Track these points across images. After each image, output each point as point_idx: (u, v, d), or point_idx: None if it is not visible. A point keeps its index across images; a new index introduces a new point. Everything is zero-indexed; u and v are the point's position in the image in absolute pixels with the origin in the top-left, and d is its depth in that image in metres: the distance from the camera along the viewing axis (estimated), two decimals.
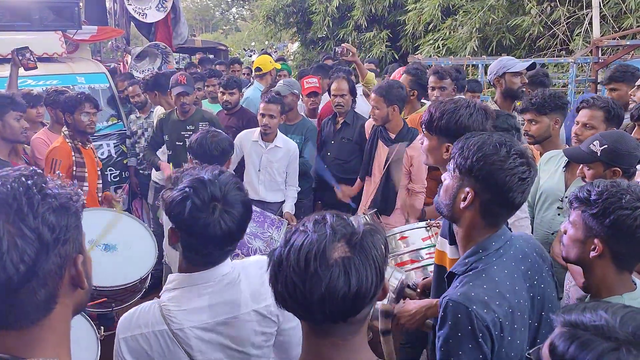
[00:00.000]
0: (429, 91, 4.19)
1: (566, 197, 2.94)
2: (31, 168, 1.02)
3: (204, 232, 1.55)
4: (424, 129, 2.11)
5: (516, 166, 1.60)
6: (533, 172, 1.64)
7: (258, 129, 4.24)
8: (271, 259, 1.16)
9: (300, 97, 5.03)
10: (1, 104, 3.27)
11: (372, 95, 3.79)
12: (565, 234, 1.82)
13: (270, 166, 4.23)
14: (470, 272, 1.64)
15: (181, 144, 4.32)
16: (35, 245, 0.93)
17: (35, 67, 4.48)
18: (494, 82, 3.98)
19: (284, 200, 4.35)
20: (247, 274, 1.73)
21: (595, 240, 1.70)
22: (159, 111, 5.10)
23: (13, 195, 0.94)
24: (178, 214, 1.56)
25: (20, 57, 4.33)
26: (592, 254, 1.71)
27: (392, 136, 3.82)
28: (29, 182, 0.97)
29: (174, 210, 1.56)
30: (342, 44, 4.94)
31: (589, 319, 1.07)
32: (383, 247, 1.15)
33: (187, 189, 1.56)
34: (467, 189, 1.66)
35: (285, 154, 4.25)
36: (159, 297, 1.71)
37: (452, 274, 1.73)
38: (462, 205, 1.67)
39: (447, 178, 1.76)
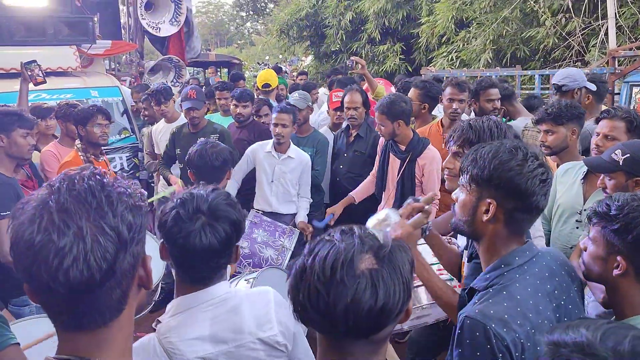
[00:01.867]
0: (446, 103, 4.13)
1: (585, 210, 2.85)
2: (98, 168, 1.02)
3: (185, 243, 1.56)
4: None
5: (535, 168, 1.54)
6: (550, 174, 1.59)
7: (271, 141, 4.24)
8: (293, 268, 1.12)
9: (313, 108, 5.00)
10: (8, 122, 3.24)
11: (376, 113, 3.75)
12: (585, 250, 1.73)
13: (284, 177, 4.20)
14: (491, 289, 1.56)
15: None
16: (115, 243, 0.92)
17: (44, 82, 4.46)
18: (572, 91, 3.99)
19: (297, 212, 4.32)
20: (251, 302, 1.69)
21: (618, 258, 1.61)
22: (157, 127, 5.14)
23: (92, 193, 0.93)
24: (164, 223, 1.59)
25: (29, 73, 4.32)
26: (615, 271, 1.62)
27: (403, 148, 3.77)
28: (104, 180, 0.97)
29: (161, 221, 1.60)
30: (352, 57, 4.92)
31: (570, 338, 1.06)
32: (409, 265, 1.11)
33: (176, 201, 1.62)
34: (488, 200, 1.58)
35: (298, 164, 4.23)
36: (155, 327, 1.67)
37: (472, 289, 1.65)
38: (484, 218, 1.59)
39: (462, 194, 1.68)
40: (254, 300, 1.70)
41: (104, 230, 0.91)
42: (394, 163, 3.83)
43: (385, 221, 1.89)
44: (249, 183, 4.40)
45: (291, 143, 4.26)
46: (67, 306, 0.94)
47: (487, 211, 1.59)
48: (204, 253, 1.57)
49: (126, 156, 5.55)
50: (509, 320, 1.45)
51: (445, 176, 2.25)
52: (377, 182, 4.04)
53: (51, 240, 0.88)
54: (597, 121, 2.95)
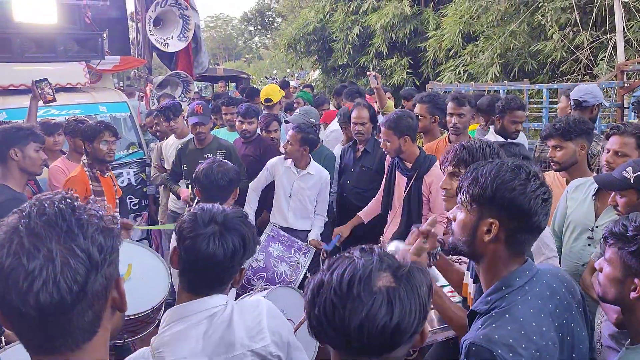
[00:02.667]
0: (448, 117, 4.11)
1: (597, 227, 2.81)
2: (69, 191, 1.04)
3: (192, 245, 1.61)
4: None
5: (537, 188, 1.52)
6: (550, 193, 1.56)
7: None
8: (311, 283, 1.13)
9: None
10: (22, 136, 3.27)
11: (382, 128, 3.71)
12: (601, 272, 1.69)
13: (302, 193, 4.21)
14: (493, 313, 1.52)
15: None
16: (86, 265, 0.93)
17: (54, 100, 4.48)
18: (592, 107, 4.08)
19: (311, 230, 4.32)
20: (242, 313, 1.69)
21: (636, 280, 1.57)
22: (167, 142, 5.17)
23: (62, 217, 0.94)
24: (180, 225, 1.67)
25: (39, 90, 4.34)
26: (633, 294, 1.58)
27: (409, 165, 3.73)
28: (75, 203, 0.98)
29: (179, 222, 1.69)
30: (368, 72, 4.88)
31: None
32: (427, 288, 1.11)
33: (197, 208, 1.71)
34: (490, 220, 1.55)
35: (317, 181, 4.23)
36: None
37: (474, 312, 1.62)
38: (486, 238, 1.56)
39: (460, 213, 1.64)
40: (245, 312, 1.70)
41: (75, 253, 0.93)
42: (400, 181, 3.80)
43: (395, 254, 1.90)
44: (263, 194, 4.43)
45: (311, 159, 4.26)
46: (39, 329, 0.94)
47: (488, 231, 1.55)
48: (207, 260, 1.61)
49: (134, 171, 5.55)
50: (514, 344, 1.42)
51: (442, 197, 2.23)
52: (383, 200, 4.00)
53: (21, 263, 0.89)
54: (608, 137, 2.92)
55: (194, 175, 3.04)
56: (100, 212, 1.00)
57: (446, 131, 4.54)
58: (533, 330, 1.47)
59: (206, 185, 2.89)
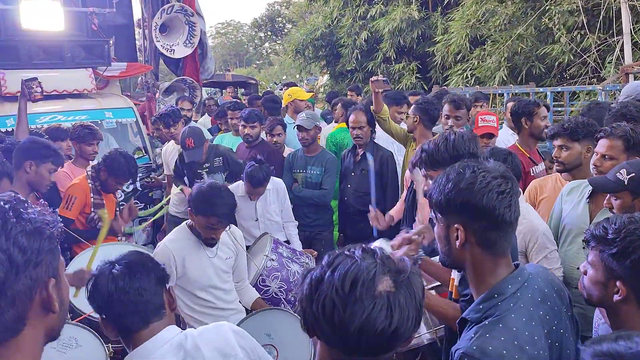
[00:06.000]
0: (443, 119, 4.12)
1: None
2: (12, 193, 1.06)
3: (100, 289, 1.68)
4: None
5: (488, 182, 1.50)
6: (512, 184, 1.53)
7: (240, 183, 4.07)
8: (308, 278, 1.13)
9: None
10: (44, 154, 3.33)
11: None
12: (585, 274, 1.69)
13: (267, 210, 4.16)
14: (486, 322, 1.50)
15: (198, 181, 4.31)
16: (5, 265, 0.95)
17: (42, 99, 4.45)
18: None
19: (287, 240, 4.24)
20: (205, 337, 1.69)
21: (618, 283, 1.56)
22: (167, 148, 5.24)
23: None
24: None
25: (28, 90, 4.31)
26: (616, 297, 1.57)
27: None
28: (7, 205, 1.00)
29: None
30: (376, 77, 4.78)
31: (624, 347, 1.03)
32: (422, 291, 1.13)
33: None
34: (456, 225, 1.55)
35: (275, 193, 4.19)
36: None
37: (464, 320, 1.60)
38: (457, 245, 1.55)
39: (435, 225, 1.65)
40: (208, 335, 1.70)
41: None
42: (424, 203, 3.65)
43: None
44: None
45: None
46: None
47: (457, 237, 1.55)
48: (110, 295, 1.65)
49: (139, 176, 5.60)
50: (508, 355, 1.40)
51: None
52: (407, 218, 3.67)
53: None
54: (597, 139, 2.90)
55: None
56: (33, 215, 1.02)
57: (437, 133, 4.53)
58: (526, 339, 1.45)
59: None
